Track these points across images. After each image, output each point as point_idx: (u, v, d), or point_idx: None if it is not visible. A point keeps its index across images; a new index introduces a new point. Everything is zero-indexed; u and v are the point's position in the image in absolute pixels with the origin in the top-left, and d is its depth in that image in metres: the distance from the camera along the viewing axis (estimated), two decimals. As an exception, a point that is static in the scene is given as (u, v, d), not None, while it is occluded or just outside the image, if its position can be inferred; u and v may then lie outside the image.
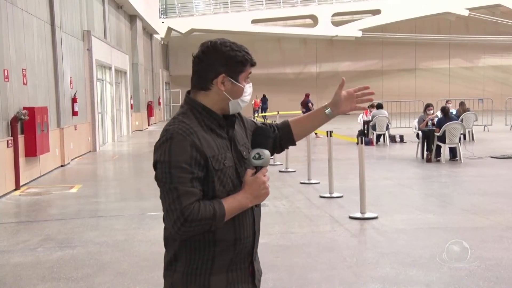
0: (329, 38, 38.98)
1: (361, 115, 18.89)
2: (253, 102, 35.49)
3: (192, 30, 36.16)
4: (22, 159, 10.77)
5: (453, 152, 13.06)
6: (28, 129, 10.90)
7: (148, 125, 30.16)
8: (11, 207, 9.06)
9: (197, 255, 2.04)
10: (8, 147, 10.12)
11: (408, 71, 42.23)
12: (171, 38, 38.41)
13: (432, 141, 13.03)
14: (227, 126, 2.12)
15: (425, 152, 13.27)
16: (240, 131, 2.20)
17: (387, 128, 17.51)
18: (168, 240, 2.11)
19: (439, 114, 13.74)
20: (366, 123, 18.17)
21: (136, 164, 15.50)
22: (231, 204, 2.01)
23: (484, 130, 21.20)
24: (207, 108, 2.09)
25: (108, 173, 13.86)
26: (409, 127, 19.15)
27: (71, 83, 15.20)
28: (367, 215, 7.43)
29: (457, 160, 12.92)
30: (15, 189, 10.35)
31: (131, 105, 25.62)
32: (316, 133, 17.35)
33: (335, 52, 41.30)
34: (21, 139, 10.69)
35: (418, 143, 13.99)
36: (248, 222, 2.11)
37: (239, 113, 2.21)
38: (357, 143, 7.88)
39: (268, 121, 3.59)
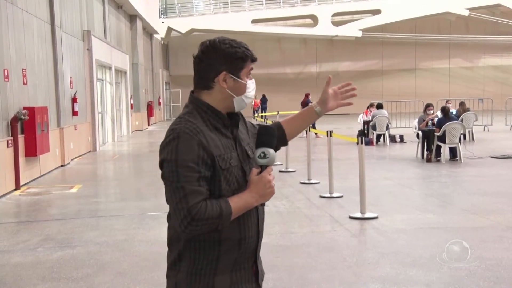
0: (329, 38, 38.98)
1: (361, 115, 18.89)
2: (252, 102, 35.47)
3: (192, 30, 36.16)
4: (22, 159, 10.77)
5: (453, 152, 13.06)
6: (28, 129, 10.91)
7: (148, 125, 30.16)
8: (11, 207, 9.06)
9: (202, 255, 2.03)
10: (8, 147, 10.12)
11: (408, 71, 42.23)
12: (171, 38, 38.41)
13: (432, 141, 13.03)
14: (231, 126, 2.12)
15: (425, 152, 13.27)
16: (243, 130, 2.21)
17: (387, 128, 17.50)
18: (172, 240, 2.10)
19: (439, 114, 13.74)
20: (366, 123, 18.17)
21: (136, 164, 15.49)
22: (237, 203, 2.01)
23: (484, 130, 21.20)
24: (212, 107, 2.08)
25: (108, 173, 13.86)
26: (409, 127, 19.14)
27: (71, 83, 15.20)
28: (367, 215, 7.43)
29: (457, 160, 12.92)
30: (15, 189, 10.35)
31: (131, 105, 25.63)
32: (316, 133, 17.35)
33: (335, 52, 41.31)
34: (21, 139, 10.69)
35: (418, 143, 13.98)
36: (252, 222, 2.12)
37: (240, 114, 2.21)
38: (357, 143, 7.88)
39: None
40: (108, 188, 11.26)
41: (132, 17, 27.28)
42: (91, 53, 17.41)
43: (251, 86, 2.14)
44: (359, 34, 37.27)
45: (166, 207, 2.04)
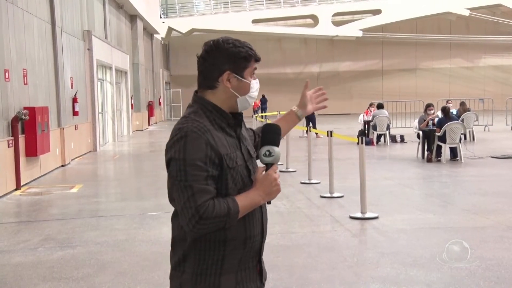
0: (329, 38, 38.97)
1: (361, 115, 18.89)
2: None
3: (193, 30, 36.16)
4: (23, 159, 10.77)
5: (454, 152, 13.05)
6: (28, 129, 10.91)
7: (149, 125, 30.17)
8: (11, 207, 9.07)
9: (207, 255, 2.03)
10: (8, 147, 10.12)
11: (409, 71, 42.22)
12: (172, 38, 38.41)
13: (433, 141, 13.03)
14: (235, 125, 2.13)
15: (426, 152, 13.26)
16: (245, 130, 2.24)
17: (388, 128, 17.50)
18: (176, 240, 2.10)
19: (439, 114, 13.74)
20: (366, 123, 18.17)
21: (137, 164, 15.50)
22: (244, 201, 2.02)
23: (484, 130, 21.20)
24: (217, 106, 2.09)
25: (108, 173, 13.86)
26: (409, 127, 19.15)
27: (71, 83, 15.20)
28: (367, 215, 7.43)
29: (457, 160, 12.92)
30: (16, 189, 10.36)
31: (132, 105, 25.64)
32: (316, 133, 17.35)
33: (335, 52, 41.31)
34: (21, 139, 10.69)
35: (419, 143, 13.98)
36: (257, 220, 2.13)
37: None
38: (358, 143, 7.88)
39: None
40: (109, 188, 11.26)
41: (133, 17, 27.29)
42: (92, 53, 17.41)
43: (255, 86, 2.15)
44: (360, 34, 37.26)
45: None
